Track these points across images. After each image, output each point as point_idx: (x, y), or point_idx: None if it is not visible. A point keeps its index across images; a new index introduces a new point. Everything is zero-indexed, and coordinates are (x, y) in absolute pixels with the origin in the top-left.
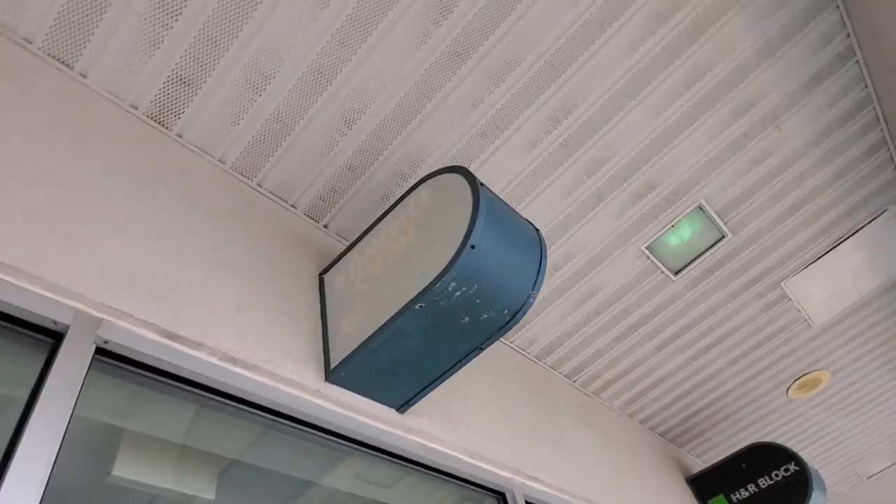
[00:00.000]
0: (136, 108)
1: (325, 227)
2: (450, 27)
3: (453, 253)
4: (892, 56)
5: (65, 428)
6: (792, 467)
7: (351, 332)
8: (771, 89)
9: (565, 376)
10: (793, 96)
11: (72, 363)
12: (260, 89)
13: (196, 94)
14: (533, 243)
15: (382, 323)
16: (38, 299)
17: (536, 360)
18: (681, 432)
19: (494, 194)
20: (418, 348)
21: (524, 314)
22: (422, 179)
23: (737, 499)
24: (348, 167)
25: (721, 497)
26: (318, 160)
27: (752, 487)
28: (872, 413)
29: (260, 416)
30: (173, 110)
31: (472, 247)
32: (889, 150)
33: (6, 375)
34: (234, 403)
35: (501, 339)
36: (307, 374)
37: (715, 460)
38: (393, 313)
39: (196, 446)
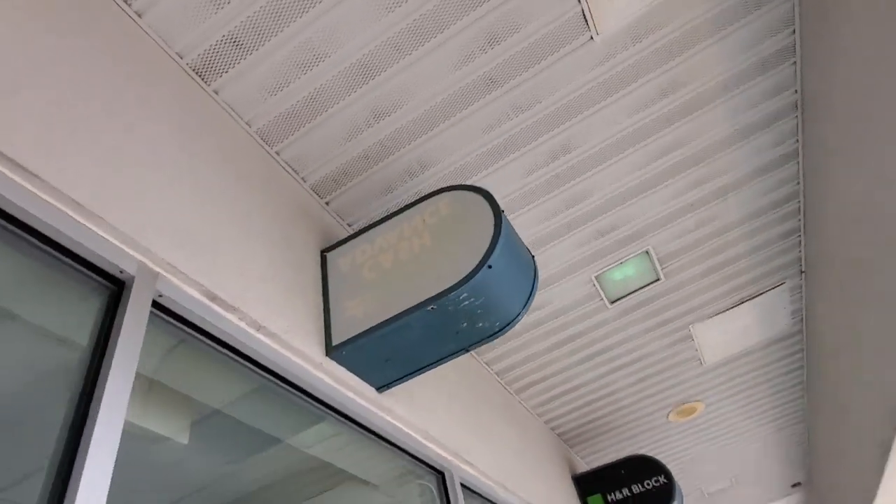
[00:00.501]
0: (182, 58)
1: (327, 204)
2: (492, 56)
3: (472, 268)
4: (823, 163)
5: (133, 376)
6: (662, 479)
7: (357, 315)
8: (726, 170)
9: (495, 373)
10: (741, 180)
11: (137, 314)
12: (306, 68)
13: (245, 58)
14: (529, 269)
15: (394, 314)
16: (108, 246)
17: (475, 356)
18: (575, 436)
19: (509, 221)
20: (415, 341)
21: (511, 328)
22: (441, 189)
23: (612, 499)
24: (364, 155)
25: (599, 496)
26: (340, 143)
27: (626, 491)
28: (725, 442)
29: (268, 379)
30: (217, 68)
31: (490, 267)
32: (800, 236)
33: (69, 316)
34: (251, 366)
35: None
36: (313, 347)
37: (596, 464)
38: (405, 308)
39: (197, 397)
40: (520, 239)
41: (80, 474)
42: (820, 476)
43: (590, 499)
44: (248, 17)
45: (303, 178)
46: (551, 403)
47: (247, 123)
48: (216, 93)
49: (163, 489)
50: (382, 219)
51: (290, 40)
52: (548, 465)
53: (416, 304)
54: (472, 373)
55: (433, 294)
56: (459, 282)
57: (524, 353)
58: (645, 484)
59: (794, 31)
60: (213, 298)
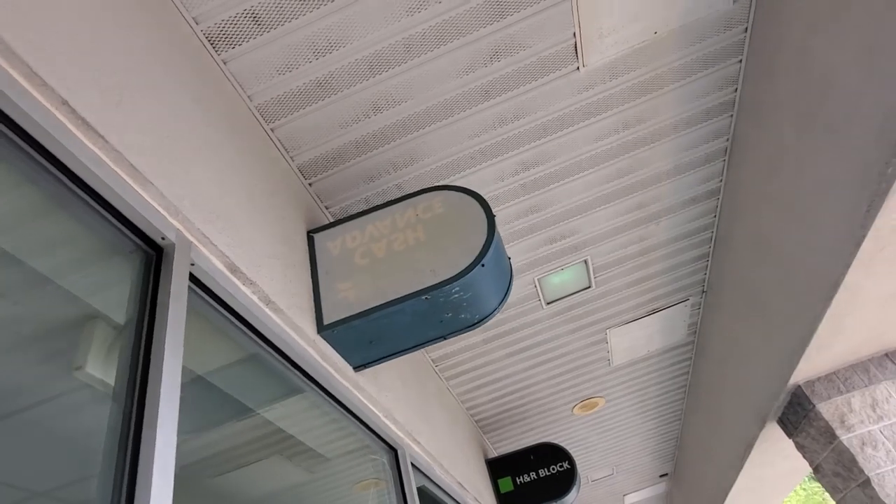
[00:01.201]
0: (196, 24)
1: (310, 185)
2: (492, 70)
3: (466, 265)
4: (737, 202)
5: (182, 340)
6: (566, 465)
7: (349, 298)
8: (662, 198)
9: (432, 360)
10: (672, 207)
11: (180, 281)
12: (319, 54)
13: (261, 34)
14: (507, 271)
15: (389, 300)
16: (154, 212)
17: None
18: (490, 423)
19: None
20: (402, 327)
21: (487, 322)
22: (433, 187)
23: (520, 481)
24: (356, 144)
25: (509, 479)
26: (336, 129)
27: (533, 475)
28: (615, 435)
29: (264, 351)
30: (231, 40)
31: (483, 265)
32: (708, 261)
33: (110, 274)
34: (253, 337)
35: None
36: (307, 324)
37: (503, 451)
38: (401, 295)
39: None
40: (502, 243)
41: (153, 435)
42: (684, 468)
43: (500, 480)
44: None
45: (291, 158)
46: (475, 392)
47: (248, 97)
48: (224, 63)
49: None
50: (371, 209)
51: (309, 25)
52: (468, 449)
53: (411, 292)
54: (416, 359)
55: (429, 285)
56: (455, 276)
57: (460, 343)
58: (550, 469)
59: (735, 90)
60: (234, 271)
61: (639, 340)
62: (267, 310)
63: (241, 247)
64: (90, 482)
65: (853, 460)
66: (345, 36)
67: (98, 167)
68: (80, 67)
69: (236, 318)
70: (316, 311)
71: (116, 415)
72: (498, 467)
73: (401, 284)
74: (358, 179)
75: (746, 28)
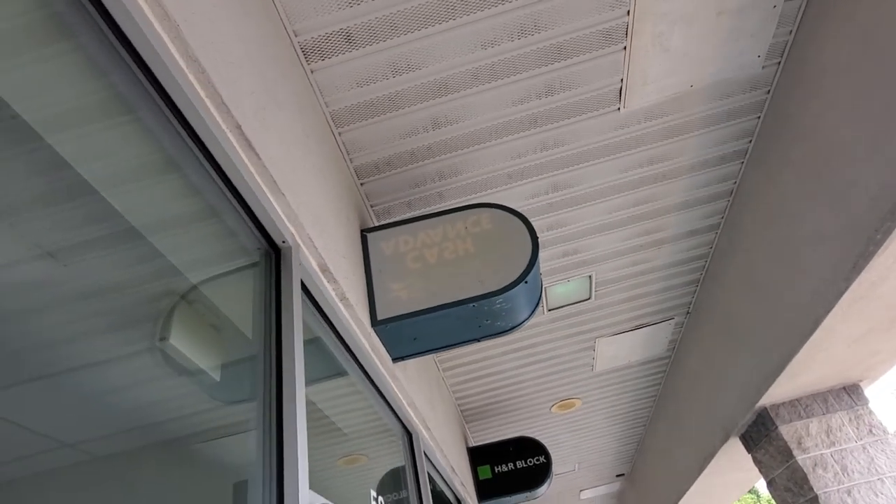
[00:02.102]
0: (296, 35)
1: (361, 185)
2: (544, 103)
3: (512, 280)
4: (733, 239)
5: (302, 332)
6: (542, 459)
7: (402, 297)
8: (668, 228)
9: None
10: (675, 237)
11: (297, 279)
12: (396, 73)
13: (349, 51)
14: (539, 287)
15: (439, 304)
16: (278, 218)
17: None
18: (474, 414)
19: None
20: (444, 328)
21: (515, 331)
22: (480, 204)
23: (498, 470)
24: (410, 153)
25: (488, 467)
26: (395, 139)
27: (511, 465)
28: (584, 434)
29: (327, 337)
30: (322, 53)
31: (525, 282)
32: (697, 286)
33: (241, 272)
34: (329, 329)
35: None
36: (365, 317)
37: (480, 441)
38: (451, 300)
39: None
40: (539, 262)
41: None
42: (640, 470)
43: (480, 468)
44: (369, 20)
45: (350, 160)
46: (467, 384)
47: (325, 104)
48: (311, 72)
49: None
50: (419, 217)
51: (395, 48)
52: (457, 437)
53: (460, 299)
54: None
55: (477, 294)
56: (501, 289)
57: None
58: (528, 461)
59: (750, 141)
60: (325, 271)
61: (622, 351)
62: (341, 305)
63: (328, 248)
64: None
65: (805, 479)
66: (423, 60)
67: (251, 179)
68: (241, 91)
69: (319, 311)
70: (370, 307)
71: (260, 403)
72: (478, 455)
73: (451, 290)
74: (405, 184)
75: (769, 90)
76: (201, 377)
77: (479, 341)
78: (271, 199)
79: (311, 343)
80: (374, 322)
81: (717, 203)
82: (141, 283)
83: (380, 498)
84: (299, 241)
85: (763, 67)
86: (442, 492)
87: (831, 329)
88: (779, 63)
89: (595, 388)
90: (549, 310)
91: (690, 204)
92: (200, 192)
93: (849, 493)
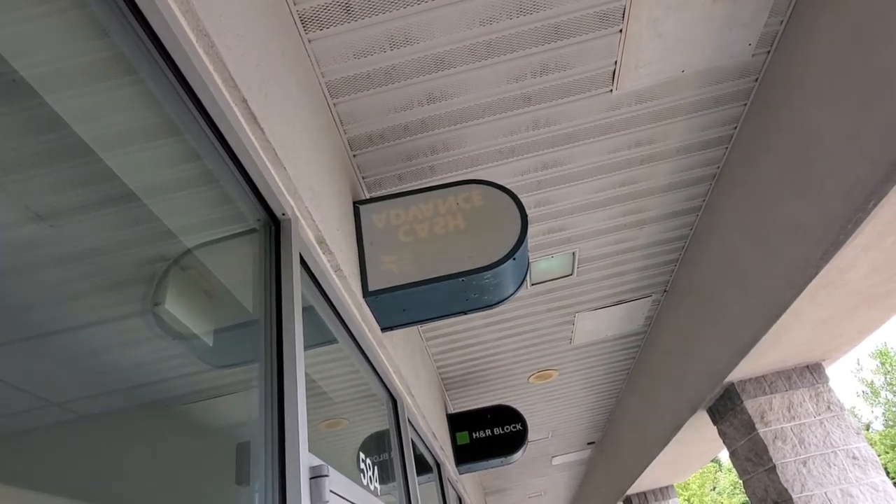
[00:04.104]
0: (295, 4)
1: (354, 156)
2: (538, 81)
3: (500, 257)
4: (712, 222)
5: (301, 301)
6: (518, 427)
7: (393, 270)
8: (650, 209)
9: None
10: (657, 218)
11: (296, 250)
12: (394, 46)
13: (348, 22)
14: (526, 263)
15: (429, 277)
16: (279, 191)
17: None
18: (454, 382)
19: None
20: (433, 300)
21: (501, 305)
22: (473, 181)
23: (476, 436)
24: (404, 127)
25: (466, 433)
26: (390, 112)
27: (488, 432)
28: (559, 404)
29: (320, 306)
30: (321, 22)
31: (514, 259)
32: (675, 265)
33: (242, 241)
34: (322, 299)
35: None
36: (357, 288)
37: (459, 409)
38: (441, 274)
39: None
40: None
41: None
42: (610, 438)
43: (458, 434)
44: None
45: (344, 131)
46: (448, 353)
47: (321, 74)
48: (309, 42)
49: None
50: (411, 191)
51: (393, 20)
52: (437, 404)
53: (450, 273)
54: None
55: (466, 269)
56: (490, 265)
57: None
58: (504, 428)
59: (735, 128)
60: (321, 243)
61: (600, 325)
62: (335, 276)
63: (325, 221)
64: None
65: (765, 449)
66: (421, 34)
67: (254, 152)
68: (247, 64)
69: (314, 282)
70: (361, 278)
71: (262, 370)
72: (457, 422)
73: (442, 265)
74: (397, 157)
75: (757, 78)
76: (196, 342)
77: (465, 314)
78: (273, 172)
79: (305, 311)
80: (366, 293)
81: (699, 186)
82: (139, 247)
83: (367, 460)
84: (298, 214)
85: (753, 56)
86: (422, 455)
87: (799, 312)
88: (768, 52)
89: (572, 360)
90: (533, 284)
91: (674, 186)
92: (205, 164)
93: (804, 463)
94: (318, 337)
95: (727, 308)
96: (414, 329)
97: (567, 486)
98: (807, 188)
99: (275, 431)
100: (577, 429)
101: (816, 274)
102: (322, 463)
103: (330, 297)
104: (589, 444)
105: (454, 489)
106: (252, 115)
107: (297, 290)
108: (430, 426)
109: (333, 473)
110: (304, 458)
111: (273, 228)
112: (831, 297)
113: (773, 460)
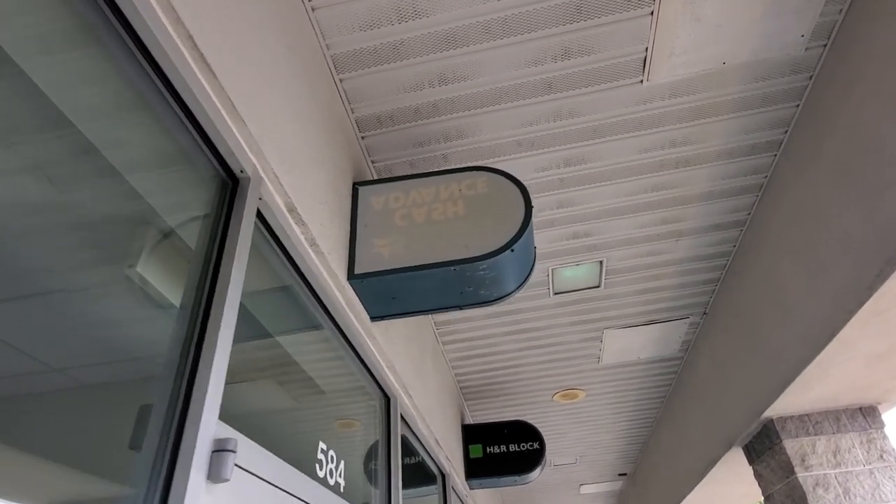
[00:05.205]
0: None
1: (363, 138)
2: (560, 66)
3: (498, 247)
4: (758, 238)
5: (245, 264)
6: (535, 445)
7: (384, 254)
8: (688, 218)
9: (434, 323)
10: (695, 230)
11: (250, 211)
12: (402, 19)
13: None
14: (531, 259)
15: (420, 264)
16: (240, 147)
17: None
18: (473, 392)
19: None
20: (424, 290)
21: (502, 301)
22: (479, 167)
23: (490, 451)
24: (415, 109)
25: (480, 446)
26: (400, 92)
27: (503, 448)
28: (586, 428)
29: (297, 286)
30: None
31: (512, 251)
32: (716, 285)
33: (191, 197)
34: (292, 271)
35: None
36: (341, 269)
37: (479, 420)
38: (432, 262)
39: None
40: (533, 233)
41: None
42: (643, 472)
43: (472, 446)
44: None
45: (352, 110)
46: (467, 361)
47: (326, 46)
48: (312, 10)
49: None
50: (416, 174)
51: None
52: (449, 411)
53: (442, 261)
54: (421, 320)
55: (460, 258)
56: (485, 255)
57: (465, 314)
58: (521, 446)
59: (785, 132)
60: (292, 211)
61: (632, 346)
62: (310, 251)
63: (301, 190)
64: (161, 377)
65: (804, 497)
66: (431, 7)
67: (206, 102)
68: (206, 6)
69: (283, 252)
70: (349, 260)
71: (183, 320)
72: (472, 434)
73: (434, 252)
74: (408, 142)
75: (811, 76)
76: (131, 290)
77: (461, 308)
78: (230, 124)
79: (281, 291)
80: (351, 275)
81: (743, 197)
82: (74, 204)
83: (331, 452)
84: (263, 175)
85: (806, 49)
86: (424, 462)
87: (849, 342)
88: (825, 45)
89: (600, 381)
90: (556, 293)
91: (714, 196)
92: (151, 109)
93: None
94: (296, 321)
95: (769, 333)
96: (427, 328)
97: None
98: (862, 199)
99: (182, 392)
100: (607, 457)
101: (869, 297)
102: (232, 437)
103: (306, 275)
104: (620, 475)
105: (462, 503)
106: (200, 55)
107: (243, 240)
108: (434, 432)
109: (250, 449)
110: (208, 427)
111: (231, 187)
112: (886, 327)
113: None
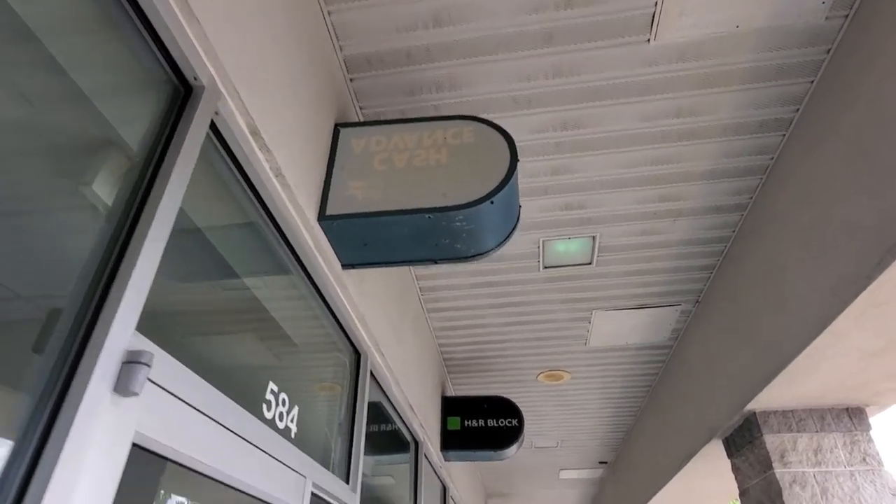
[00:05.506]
0: None
1: (351, 81)
2: (561, 15)
3: (477, 198)
4: (760, 223)
5: (188, 179)
6: (514, 422)
7: (357, 197)
8: (688, 197)
9: (420, 288)
10: (695, 210)
11: (201, 122)
12: None
13: None
14: (514, 216)
15: (393, 209)
16: (194, 51)
17: (411, 268)
18: (456, 364)
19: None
20: (398, 238)
21: (479, 259)
22: (467, 116)
23: (468, 424)
24: (407, 52)
25: (458, 419)
26: (391, 32)
27: (481, 422)
28: (570, 413)
29: (262, 221)
30: None
31: (492, 202)
32: (712, 272)
33: (137, 104)
34: (256, 203)
35: None
36: (310, 208)
37: (460, 394)
38: (406, 207)
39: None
40: (517, 188)
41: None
42: (624, 461)
43: (450, 418)
44: None
45: (340, 47)
46: (451, 331)
47: None
48: None
49: None
50: (402, 119)
51: None
52: (428, 380)
53: (416, 208)
54: (405, 280)
55: (435, 206)
56: (462, 205)
57: (450, 280)
58: (499, 422)
59: (797, 110)
60: (255, 134)
61: (620, 330)
62: (275, 181)
63: (268, 114)
64: (66, 289)
65: (779, 493)
66: None
67: None
68: None
69: (244, 179)
70: (321, 200)
71: (110, 226)
72: (451, 406)
73: (410, 198)
74: (399, 90)
75: (829, 49)
76: (67, 196)
77: (436, 262)
78: (181, 18)
79: (244, 223)
80: (322, 216)
81: (748, 179)
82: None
83: (283, 395)
84: (221, 87)
85: (826, 18)
86: (397, 428)
87: (841, 334)
88: (846, 16)
89: (586, 364)
90: (545, 267)
91: (717, 174)
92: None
93: None
94: (262, 261)
95: (761, 323)
96: (412, 292)
97: None
98: (873, 180)
99: (94, 299)
100: (589, 444)
101: (867, 286)
102: (148, 350)
103: (270, 209)
104: (601, 463)
105: (436, 474)
106: None
107: (187, 151)
108: (408, 397)
109: (170, 366)
110: (119, 337)
111: (183, 94)
112: (885, 321)
113: None
